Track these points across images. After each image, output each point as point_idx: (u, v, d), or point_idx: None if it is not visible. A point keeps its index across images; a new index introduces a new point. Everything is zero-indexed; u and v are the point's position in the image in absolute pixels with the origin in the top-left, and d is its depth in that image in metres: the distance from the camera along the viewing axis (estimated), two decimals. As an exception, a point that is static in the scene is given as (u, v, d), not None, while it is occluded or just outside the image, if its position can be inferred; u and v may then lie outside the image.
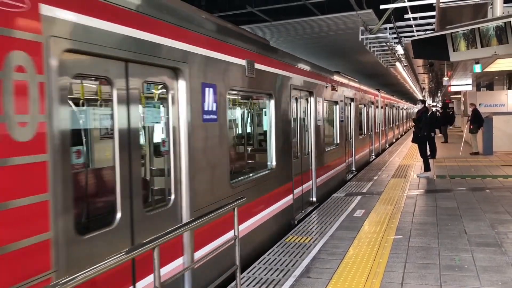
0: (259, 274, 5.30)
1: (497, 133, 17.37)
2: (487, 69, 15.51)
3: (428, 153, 13.31)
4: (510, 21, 6.81)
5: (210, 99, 5.14)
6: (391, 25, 14.91)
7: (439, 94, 49.36)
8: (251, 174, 6.86)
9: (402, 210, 8.33)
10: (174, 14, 4.56)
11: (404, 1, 12.15)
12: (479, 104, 18.22)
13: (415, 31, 15.84)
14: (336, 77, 12.11)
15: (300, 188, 8.72)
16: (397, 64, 21.44)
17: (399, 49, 17.04)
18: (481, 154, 17.15)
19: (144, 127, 4.35)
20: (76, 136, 3.57)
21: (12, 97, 2.72)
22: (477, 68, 10.88)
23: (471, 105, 17.86)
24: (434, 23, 11.70)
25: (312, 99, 9.60)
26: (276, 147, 7.40)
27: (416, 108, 40.56)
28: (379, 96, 21.25)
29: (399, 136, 33.36)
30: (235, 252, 4.32)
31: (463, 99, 27.22)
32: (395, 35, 15.90)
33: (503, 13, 7.25)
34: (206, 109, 5.04)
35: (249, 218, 6.27)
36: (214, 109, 5.23)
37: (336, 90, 11.92)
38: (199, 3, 13.03)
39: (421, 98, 48.13)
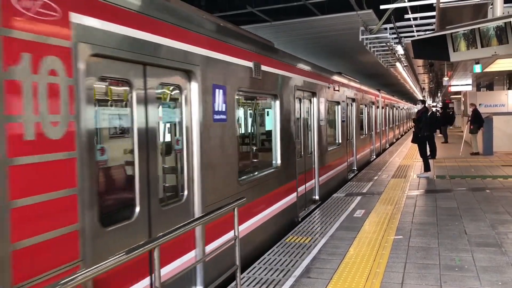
0: (259, 274, 5.30)
1: (497, 133, 17.36)
2: (487, 69, 15.51)
3: (428, 153, 13.32)
4: (510, 21, 6.81)
5: (220, 100, 5.38)
6: (391, 25, 14.92)
7: (439, 94, 49.35)
8: (257, 172, 7.03)
9: (402, 210, 8.33)
10: (188, 20, 4.82)
11: (404, 1, 12.15)
12: (479, 104, 18.22)
13: (415, 31, 15.84)
14: (338, 78, 12.26)
15: (303, 187, 8.91)
16: (397, 64, 21.45)
17: (399, 49, 17.04)
18: (481, 154, 17.14)
19: (160, 127, 4.52)
20: (99, 135, 3.85)
21: (46, 99, 2.96)
22: (477, 68, 10.88)
23: (471, 105, 17.86)
24: (434, 23, 11.70)
25: (315, 100, 9.80)
26: (281, 146, 7.61)
27: (416, 108, 40.56)
28: (379, 97, 21.32)
29: (399, 136, 33.37)
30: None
31: (463, 99, 27.23)
32: (395, 35, 15.90)
33: (503, 13, 7.25)
34: (216, 109, 5.27)
35: (257, 214, 6.53)
36: (224, 109, 5.47)
37: (338, 91, 12.07)
38: (199, 3, 13.03)
39: (421, 98, 48.11)
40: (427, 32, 13.37)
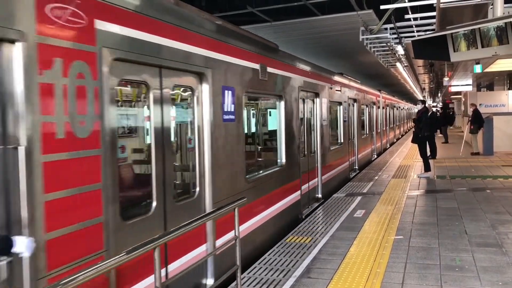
0: (259, 274, 5.30)
1: (497, 134, 17.35)
2: (488, 70, 15.50)
3: (428, 153, 13.30)
4: (511, 22, 6.81)
5: (229, 101, 5.61)
6: (392, 25, 14.91)
7: (439, 95, 49.35)
8: (263, 171, 7.25)
9: (402, 210, 8.33)
10: (200, 24, 5.07)
11: (405, 2, 12.14)
12: (480, 104, 18.22)
13: (415, 31, 15.83)
14: (339, 79, 12.42)
15: (307, 185, 9.10)
16: (398, 64, 21.45)
17: (400, 50, 17.04)
18: (482, 154, 17.14)
19: (174, 126, 4.76)
20: (120, 133, 4.05)
21: (74, 100, 3.18)
22: (478, 69, 10.88)
23: (471, 105, 17.85)
24: (435, 24, 11.69)
25: (318, 100, 9.99)
26: (286, 146, 7.83)
27: (416, 108, 40.55)
28: (380, 97, 21.43)
29: (400, 136, 33.40)
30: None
31: (463, 99, 27.23)
32: (395, 36, 15.90)
33: (503, 13, 7.25)
34: (225, 109, 5.51)
35: (264, 210, 6.78)
36: (233, 110, 5.70)
37: (340, 91, 12.22)
38: (199, 3, 13.02)
39: (421, 98, 48.11)
40: (428, 32, 13.37)
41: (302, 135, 8.99)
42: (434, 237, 6.55)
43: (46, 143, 2.95)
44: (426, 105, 13.68)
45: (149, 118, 4.24)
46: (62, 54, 3.08)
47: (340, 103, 12.50)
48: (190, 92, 4.99)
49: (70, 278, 2.36)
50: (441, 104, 48.72)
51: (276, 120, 7.92)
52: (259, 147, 8.15)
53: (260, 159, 7.94)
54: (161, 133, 4.32)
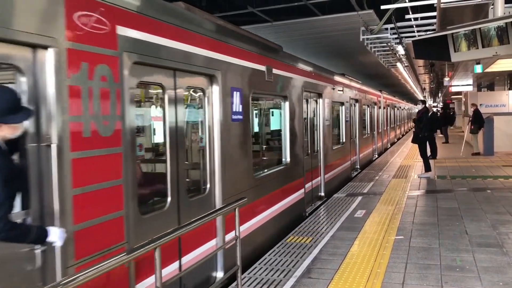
0: (260, 275, 5.30)
1: (498, 134, 17.34)
2: (488, 70, 15.50)
3: (429, 153, 13.29)
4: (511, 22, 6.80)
5: (237, 101, 5.85)
6: (392, 25, 14.89)
7: (439, 95, 49.32)
8: (269, 169, 7.48)
9: (403, 210, 8.33)
10: (210, 28, 5.32)
11: (405, 2, 12.13)
12: (480, 105, 18.21)
13: (416, 31, 15.81)
14: (341, 79, 12.61)
15: (310, 183, 9.31)
16: (398, 64, 21.42)
17: (400, 50, 17.02)
18: (482, 155, 17.13)
19: (187, 126, 4.97)
20: (139, 132, 4.34)
21: (99, 101, 3.41)
22: (478, 69, 10.87)
23: (472, 105, 17.83)
24: (435, 24, 11.67)
25: (321, 101, 10.22)
26: (290, 145, 8.05)
27: (416, 109, 40.57)
28: (381, 97, 21.54)
29: (401, 136, 33.43)
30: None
31: (464, 99, 27.21)
32: (396, 36, 15.88)
33: (504, 13, 7.24)
34: (234, 110, 5.74)
35: (270, 207, 7.03)
36: (241, 110, 5.93)
37: (342, 92, 12.40)
38: (200, 3, 13.01)
39: (422, 98, 48.10)
40: (428, 32, 13.35)
41: (306, 134, 9.17)
42: (434, 237, 6.55)
43: (74, 141, 3.18)
44: (427, 105, 13.67)
45: (164, 118, 4.46)
46: (88, 59, 3.32)
47: (342, 103, 12.68)
48: (201, 93, 5.22)
49: (71, 278, 2.36)
50: (441, 104, 48.70)
51: (281, 120, 8.11)
52: (265, 146, 8.37)
53: (266, 158, 8.18)
54: (175, 132, 4.54)
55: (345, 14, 13.48)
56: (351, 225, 7.34)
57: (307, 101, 9.29)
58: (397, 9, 13.05)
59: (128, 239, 3.68)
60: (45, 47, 2.98)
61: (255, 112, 7.64)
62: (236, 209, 4.35)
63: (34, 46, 2.95)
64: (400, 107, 33.71)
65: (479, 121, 16.91)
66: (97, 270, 2.56)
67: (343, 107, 12.84)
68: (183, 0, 5.34)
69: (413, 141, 13.06)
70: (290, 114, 8.03)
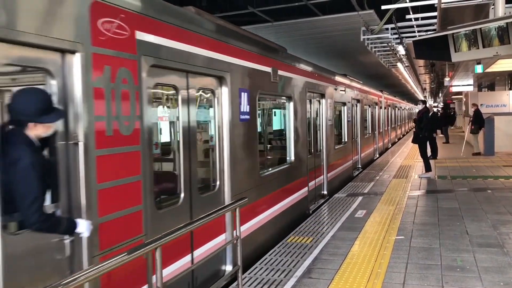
0: (260, 275, 5.30)
1: (498, 134, 17.32)
2: (489, 70, 15.49)
3: (429, 153, 13.27)
4: (512, 22, 6.79)
5: (245, 102, 6.06)
6: (393, 25, 14.88)
7: (440, 95, 49.30)
8: (274, 167, 7.72)
9: (403, 210, 8.33)
10: (220, 32, 5.55)
11: (406, 2, 12.12)
12: (481, 105, 18.20)
13: (416, 31, 15.79)
14: (343, 80, 12.80)
15: (313, 182, 9.50)
16: (399, 64, 21.42)
17: (401, 50, 17.00)
18: (483, 155, 17.11)
19: (198, 125, 5.17)
20: (154, 131, 4.54)
21: (120, 102, 3.62)
22: (479, 69, 10.87)
23: (473, 105, 17.82)
24: (436, 24, 11.67)
25: (323, 101, 10.44)
26: (294, 144, 8.24)
27: (417, 109, 40.57)
28: (382, 97, 21.66)
29: (401, 136, 33.47)
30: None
31: (464, 99, 27.20)
32: (396, 36, 15.87)
33: (505, 13, 7.23)
34: (242, 110, 5.96)
35: (277, 204, 7.28)
36: (248, 110, 6.15)
37: (344, 92, 12.58)
38: (200, 3, 13.01)
39: (422, 98, 48.07)
40: (429, 33, 13.34)
41: (309, 134, 9.35)
42: (435, 237, 6.55)
43: (99, 140, 3.39)
44: (427, 105, 13.67)
45: (177, 118, 4.69)
46: (110, 62, 3.53)
47: (344, 104, 12.85)
48: (211, 94, 5.44)
49: (71, 278, 2.36)
50: (442, 104, 48.68)
51: (285, 120, 8.34)
52: (270, 145, 8.57)
53: (271, 156, 8.43)
54: (188, 131, 4.78)
55: (346, 14, 13.46)
56: (352, 225, 7.34)
57: (310, 101, 9.46)
58: (397, 9, 13.03)
59: (146, 232, 3.90)
60: (73, 52, 3.19)
61: (261, 112, 7.79)
62: (237, 209, 4.36)
63: (63, 51, 3.15)
64: (400, 107, 33.79)
65: (479, 121, 16.90)
66: (98, 270, 2.56)
67: (345, 107, 13.00)
68: (191, 4, 5.49)
69: (413, 141, 13.06)
70: (294, 114, 8.22)
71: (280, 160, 8.24)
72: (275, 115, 8.90)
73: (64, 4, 3.13)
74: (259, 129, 7.02)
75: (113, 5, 3.57)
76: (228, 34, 5.78)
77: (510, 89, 20.85)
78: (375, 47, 17.67)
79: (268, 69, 6.96)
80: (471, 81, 23.16)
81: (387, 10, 13.03)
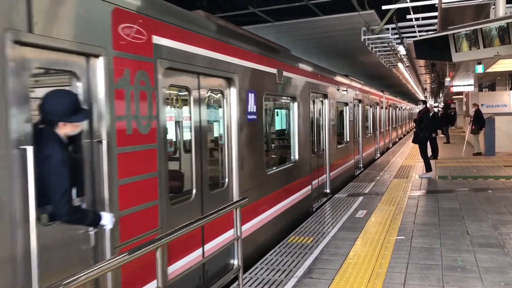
0: (261, 275, 5.30)
1: (499, 134, 17.31)
2: (489, 70, 15.49)
3: (430, 153, 13.26)
4: (513, 22, 6.78)
5: (252, 102, 6.28)
6: (393, 25, 14.86)
7: (441, 95, 49.27)
8: (280, 166, 7.96)
9: (404, 210, 8.32)
10: (229, 35, 5.77)
11: (406, 2, 12.12)
12: (481, 105, 18.18)
13: (417, 31, 15.78)
14: (346, 80, 12.98)
15: (316, 180, 9.73)
16: (399, 64, 21.40)
17: (401, 50, 16.99)
18: (483, 155, 17.10)
19: (208, 125, 5.38)
20: (169, 130, 4.75)
21: (138, 102, 3.83)
22: (479, 69, 10.87)
23: (474, 105, 17.81)
24: (436, 24, 11.66)
25: (326, 101, 10.69)
26: (298, 143, 8.46)
27: (417, 109, 40.54)
28: (383, 97, 21.72)
29: (402, 136, 33.50)
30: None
31: (465, 99, 27.18)
32: (397, 36, 15.85)
33: (505, 13, 7.23)
34: (249, 110, 6.18)
35: (282, 201, 7.51)
36: (255, 110, 6.37)
37: (346, 92, 12.75)
38: (201, 3, 13.00)
39: (423, 98, 48.03)
40: (429, 33, 13.33)
41: (312, 134, 9.56)
42: (436, 237, 6.55)
43: (120, 138, 3.60)
44: (427, 105, 13.66)
45: (189, 117, 4.90)
46: (130, 65, 3.74)
47: (346, 104, 13.03)
48: (221, 95, 5.64)
49: (72, 278, 2.36)
50: (442, 104, 48.65)
51: (290, 120, 8.55)
52: (275, 144, 8.78)
53: (276, 155, 8.64)
54: (199, 130, 4.99)
55: (346, 14, 13.44)
56: (352, 225, 7.34)
57: (313, 101, 9.64)
58: (398, 9, 13.02)
59: (162, 225, 4.10)
60: (97, 56, 3.39)
61: (267, 112, 7.92)
62: (238, 209, 4.38)
63: (88, 55, 3.36)
64: (401, 107, 33.84)
65: (480, 121, 16.89)
66: (99, 270, 2.56)
67: (347, 107, 13.17)
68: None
69: (414, 141, 13.06)
70: (298, 114, 8.44)
71: (285, 159, 8.44)
72: (279, 115, 9.09)
73: (90, 11, 3.35)
74: (265, 128, 7.18)
75: (132, 11, 3.79)
76: (236, 37, 5.99)
77: (510, 89, 20.83)
78: (375, 47, 17.64)
79: (273, 71, 7.16)
80: (471, 81, 23.14)
81: (388, 10, 13.01)
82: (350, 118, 13.41)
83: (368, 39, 15.65)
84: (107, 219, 3.35)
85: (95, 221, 3.28)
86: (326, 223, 7.59)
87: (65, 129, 3.11)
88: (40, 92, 3.09)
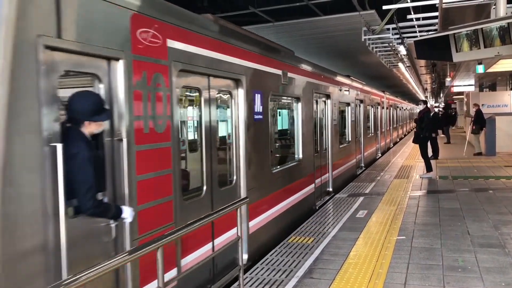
0: (262, 275, 5.30)
1: (500, 134, 17.30)
2: (490, 70, 15.48)
3: (430, 153, 13.24)
4: (514, 22, 6.78)
5: (258, 103, 6.48)
6: (394, 25, 14.85)
7: (441, 95, 49.25)
8: (284, 164, 8.14)
9: (404, 211, 8.32)
10: (238, 38, 5.98)
11: (407, 2, 12.11)
12: (482, 105, 18.17)
13: (417, 31, 15.78)
14: (348, 81, 13.15)
15: (319, 179, 9.93)
16: (400, 64, 21.39)
17: (402, 50, 16.97)
18: (484, 155, 17.09)
19: (218, 124, 5.56)
20: (181, 129, 4.97)
21: (154, 103, 4.03)
22: (480, 69, 10.84)
23: (474, 105, 17.80)
24: (437, 24, 11.66)
25: (329, 101, 10.80)
26: (302, 143, 8.66)
27: (418, 109, 40.53)
28: (384, 98, 21.79)
29: (403, 136, 33.52)
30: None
31: (465, 99, 27.17)
32: (397, 36, 15.84)
33: (506, 13, 7.22)
34: (256, 110, 6.39)
35: (287, 198, 7.73)
36: (261, 110, 6.57)
37: (348, 93, 12.92)
38: (201, 3, 13.00)
39: (423, 98, 48.00)
40: (430, 33, 13.32)
41: (316, 133, 9.74)
42: (436, 237, 6.54)
43: (138, 137, 3.80)
44: (428, 105, 13.66)
45: (200, 117, 5.10)
46: (147, 68, 3.93)
47: (348, 104, 13.18)
48: (229, 95, 5.84)
49: (72, 278, 2.37)
50: (443, 104, 48.64)
51: (294, 120, 8.74)
52: (280, 144, 8.89)
53: (281, 154, 8.76)
54: (209, 130, 5.20)
55: (347, 14, 13.43)
56: (353, 225, 7.34)
57: (316, 102, 9.82)
58: (398, 9, 13.01)
59: (175, 220, 4.29)
60: (117, 59, 3.59)
61: (272, 112, 8.07)
62: (238, 209, 4.40)
63: (109, 59, 3.55)
64: (402, 108, 33.89)
65: (480, 122, 16.88)
66: (100, 270, 2.56)
67: (349, 107, 13.33)
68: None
69: (414, 141, 13.05)
70: (302, 114, 8.65)
71: (289, 158, 8.61)
72: (283, 115, 9.25)
73: (111, 18, 3.56)
74: (270, 128, 7.33)
75: (149, 16, 3.99)
76: (244, 39, 6.19)
77: (511, 89, 20.81)
78: (376, 47, 17.63)
79: (278, 72, 7.34)
80: (472, 81, 23.13)
81: (388, 10, 13.01)
82: (352, 118, 13.56)
83: (369, 39, 15.64)
84: (127, 213, 3.53)
85: (117, 215, 3.47)
86: (326, 223, 7.59)
87: (90, 128, 3.29)
88: (65, 93, 3.23)
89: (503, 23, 6.93)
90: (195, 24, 4.86)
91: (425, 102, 14.03)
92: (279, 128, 8.99)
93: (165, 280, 3.18)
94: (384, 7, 12.47)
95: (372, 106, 18.01)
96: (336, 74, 11.92)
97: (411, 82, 32.55)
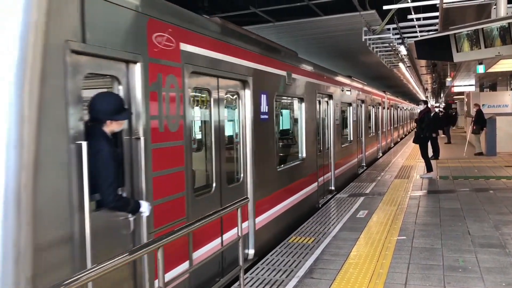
0: (262, 275, 5.30)
1: (500, 134, 17.29)
2: (491, 70, 15.45)
3: (431, 154, 13.23)
4: (514, 22, 6.77)
5: (264, 103, 6.68)
6: (394, 25, 14.84)
7: (442, 95, 49.23)
8: (288, 163, 8.29)
9: (405, 211, 8.32)
10: (245, 40, 6.19)
11: (408, 2, 12.11)
12: (482, 105, 18.16)
13: (418, 31, 15.77)
14: (349, 81, 13.34)
15: (322, 178, 10.14)
16: (400, 64, 21.38)
17: (402, 50, 16.97)
18: (485, 155, 17.09)
19: (226, 124, 5.73)
20: (193, 129, 5.20)
21: (169, 103, 4.23)
22: (481, 69, 10.85)
23: (475, 105, 17.80)
24: (438, 24, 11.64)
25: (331, 102, 10.98)
26: (306, 142, 8.86)
27: (418, 109, 40.51)
28: (385, 98, 21.86)
29: (403, 136, 33.54)
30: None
31: (466, 100, 27.15)
32: (398, 36, 15.84)
33: (507, 13, 7.22)
34: (262, 110, 6.58)
35: (292, 195, 7.95)
36: (267, 110, 6.77)
37: (350, 93, 13.10)
38: (202, 4, 13.00)
39: (424, 98, 47.98)
40: (430, 33, 13.31)
41: (318, 133, 9.93)
42: (437, 237, 6.54)
43: (154, 135, 3.99)
44: (428, 105, 13.65)
45: (209, 117, 5.28)
46: (162, 70, 4.12)
47: (349, 104, 13.36)
48: (237, 96, 6.02)
49: (73, 278, 2.36)
50: (443, 104, 48.62)
51: (298, 119, 8.94)
52: (284, 143, 9.07)
53: (285, 153, 8.91)
54: (218, 129, 5.39)
55: (347, 14, 13.42)
56: (354, 226, 7.34)
57: (319, 102, 10.00)
58: (399, 9, 13.00)
59: (187, 215, 4.48)
60: (135, 62, 3.76)
61: (277, 112, 8.20)
62: (239, 209, 4.41)
63: (128, 61, 3.72)
64: (403, 108, 33.94)
65: (481, 122, 16.87)
66: (101, 269, 2.56)
67: (351, 107, 13.51)
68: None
69: (415, 142, 13.05)
70: (305, 114, 8.84)
71: (293, 157, 8.77)
72: (289, 115, 9.41)
73: (129, 23, 3.74)
74: (275, 127, 7.46)
75: (163, 21, 4.19)
76: (250, 42, 6.41)
77: (512, 89, 20.81)
78: (376, 47, 17.62)
79: (283, 73, 7.52)
80: (473, 81, 23.11)
81: (389, 10, 13.01)
82: (353, 118, 13.72)
83: (369, 39, 15.63)
84: (145, 207, 3.71)
85: (135, 209, 3.65)
86: (327, 223, 7.59)
87: (111, 127, 3.48)
88: (87, 94, 3.39)
89: (504, 23, 6.92)
90: (205, 28, 5.06)
91: (425, 102, 14.03)
92: (284, 127, 9.15)
93: (179, 272, 3.37)
94: (385, 7, 12.46)
95: (373, 106, 18.11)
96: (338, 74, 12.06)
97: (412, 82, 32.53)
